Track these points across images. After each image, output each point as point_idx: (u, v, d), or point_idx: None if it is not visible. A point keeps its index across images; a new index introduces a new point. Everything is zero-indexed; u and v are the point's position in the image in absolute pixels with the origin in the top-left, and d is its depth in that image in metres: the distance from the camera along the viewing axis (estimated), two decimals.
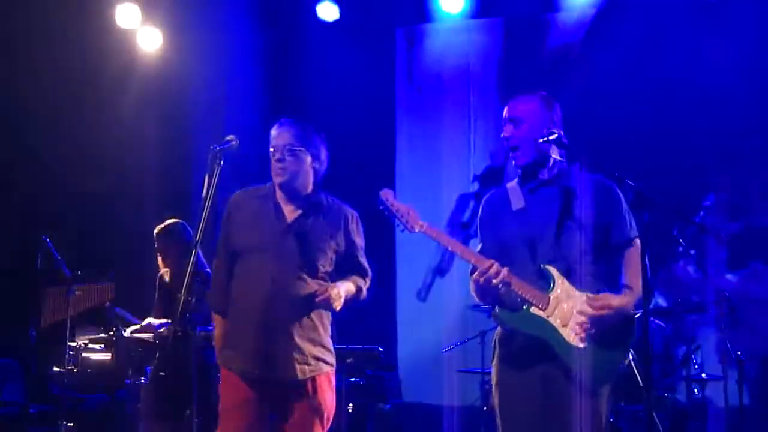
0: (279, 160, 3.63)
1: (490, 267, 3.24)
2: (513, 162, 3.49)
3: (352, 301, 3.71)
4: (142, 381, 5.39)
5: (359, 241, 3.80)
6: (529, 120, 3.44)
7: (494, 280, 3.24)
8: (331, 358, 3.71)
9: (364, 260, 3.82)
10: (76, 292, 5.87)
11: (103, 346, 5.86)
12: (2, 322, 6.42)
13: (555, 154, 3.44)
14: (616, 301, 3.28)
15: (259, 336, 3.54)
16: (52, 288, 6.05)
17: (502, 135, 3.49)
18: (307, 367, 3.58)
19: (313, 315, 3.62)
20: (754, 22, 6.83)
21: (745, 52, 6.83)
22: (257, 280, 3.56)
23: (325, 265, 3.64)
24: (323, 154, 3.79)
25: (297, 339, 3.56)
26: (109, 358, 5.76)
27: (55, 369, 5.84)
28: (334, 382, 3.72)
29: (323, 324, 3.68)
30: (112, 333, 5.66)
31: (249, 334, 3.55)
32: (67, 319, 5.75)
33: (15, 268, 6.46)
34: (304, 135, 3.70)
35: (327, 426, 3.65)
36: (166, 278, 5.43)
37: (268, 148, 3.71)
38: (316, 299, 3.51)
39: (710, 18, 6.96)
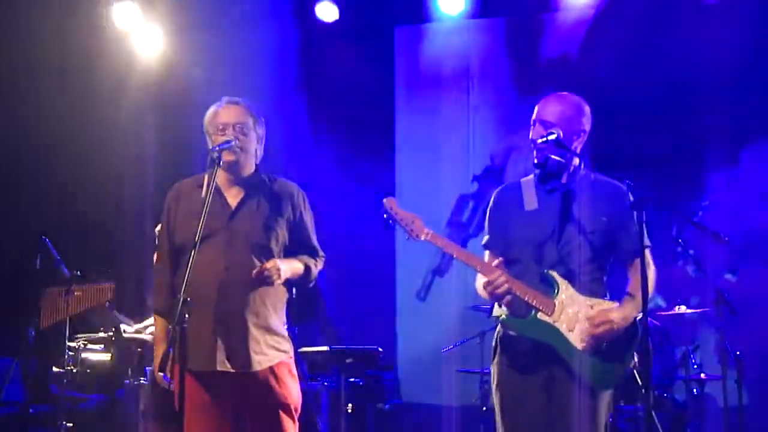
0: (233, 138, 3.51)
1: (497, 278, 3.24)
2: (535, 161, 3.44)
3: (299, 281, 3.60)
4: (142, 381, 5.40)
5: (308, 218, 3.67)
6: (560, 124, 3.39)
7: (499, 290, 3.24)
8: (287, 346, 3.58)
9: (314, 240, 3.69)
10: (76, 293, 5.87)
11: (102, 346, 5.87)
12: (2, 322, 6.42)
13: (569, 157, 3.41)
14: (616, 314, 3.28)
15: (215, 328, 3.42)
16: (52, 288, 6.05)
17: (531, 136, 3.42)
18: (263, 357, 3.46)
19: (268, 302, 3.51)
20: (755, 22, 6.84)
21: (746, 51, 6.84)
22: (209, 271, 3.41)
23: (278, 245, 3.53)
24: (263, 138, 3.67)
25: (252, 328, 3.45)
26: (109, 358, 5.77)
27: (55, 369, 5.85)
28: (295, 371, 3.60)
29: (277, 311, 3.56)
30: (111, 333, 5.66)
31: (205, 329, 3.41)
32: (67, 320, 5.76)
33: (15, 268, 6.46)
34: (253, 114, 3.61)
35: (296, 416, 3.54)
36: None
37: (208, 126, 3.58)
38: (253, 274, 3.38)
39: (709, 17, 6.97)
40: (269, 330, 3.51)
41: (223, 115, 3.57)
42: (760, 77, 6.82)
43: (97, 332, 5.98)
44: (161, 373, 3.37)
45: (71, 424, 5.76)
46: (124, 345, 5.56)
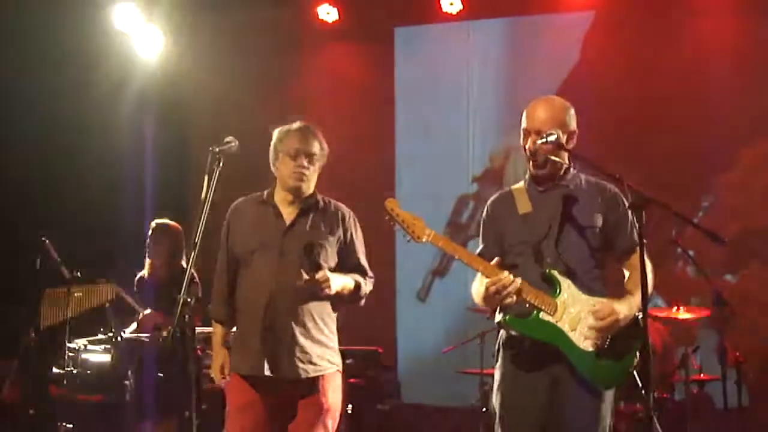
0: (302, 167, 3.70)
1: (503, 278, 3.21)
2: (533, 163, 3.42)
3: (349, 297, 3.75)
4: (142, 382, 5.39)
5: (358, 240, 3.85)
6: (555, 127, 3.35)
7: (506, 291, 3.21)
8: (337, 359, 3.74)
9: (364, 261, 3.86)
10: (76, 294, 5.87)
11: (102, 347, 5.86)
12: (2, 322, 6.42)
13: (564, 158, 3.41)
14: (620, 307, 3.27)
15: (264, 336, 3.58)
16: (52, 288, 6.05)
17: (529, 147, 3.39)
18: (311, 366, 3.61)
19: (316, 315, 3.66)
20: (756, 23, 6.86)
21: (745, 51, 6.85)
22: (260, 281, 3.62)
23: (326, 261, 3.68)
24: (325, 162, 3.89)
25: (300, 338, 3.60)
26: (109, 359, 5.76)
27: (55, 370, 5.84)
28: (340, 384, 3.75)
29: (327, 325, 3.72)
30: (111, 334, 5.66)
31: (254, 336, 3.60)
32: (67, 320, 5.76)
33: (15, 268, 6.46)
34: (322, 145, 3.79)
35: (334, 427, 3.68)
36: (145, 277, 5.50)
37: (279, 144, 3.75)
38: (303, 281, 3.52)
39: (709, 18, 6.98)
40: (317, 341, 3.65)
41: (298, 141, 3.74)
42: (760, 77, 6.83)
43: (96, 333, 5.97)
44: (221, 376, 3.68)
45: (71, 426, 5.76)
46: (123, 346, 5.56)
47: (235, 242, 3.75)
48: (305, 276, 3.52)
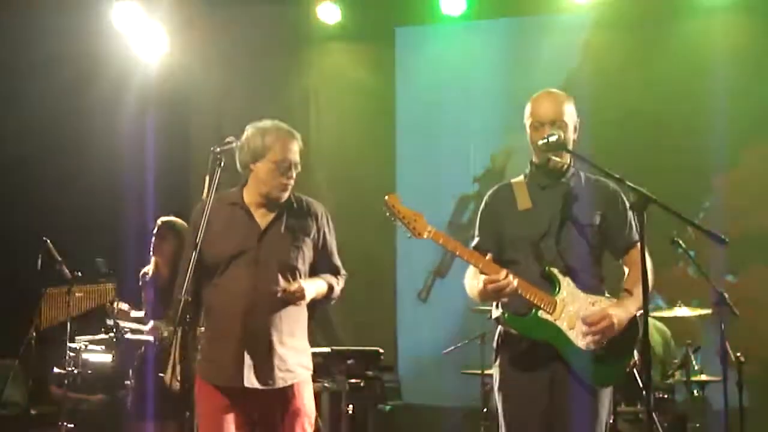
0: (291, 178, 3.57)
1: (503, 277, 3.19)
2: (535, 161, 3.44)
3: (323, 300, 3.68)
4: (142, 382, 5.39)
5: (331, 238, 3.75)
6: (558, 124, 3.37)
7: (506, 291, 3.20)
8: (309, 363, 3.68)
9: (336, 258, 3.77)
10: (77, 293, 5.87)
11: (103, 347, 5.87)
12: (2, 322, 6.43)
13: (566, 158, 3.42)
14: (616, 311, 3.26)
15: (241, 345, 3.48)
16: (53, 288, 6.06)
17: (530, 138, 3.40)
18: (288, 374, 3.55)
19: (292, 322, 3.57)
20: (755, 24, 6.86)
21: (745, 53, 6.85)
22: (236, 289, 3.49)
23: (304, 264, 3.61)
24: None
25: (278, 347, 3.52)
26: (110, 359, 5.77)
27: (56, 370, 5.85)
28: (312, 386, 3.69)
29: (302, 328, 3.64)
30: (112, 334, 5.66)
31: (230, 345, 3.49)
32: (68, 320, 5.76)
33: (15, 268, 6.46)
34: (300, 148, 3.64)
35: (311, 430, 3.62)
36: (149, 274, 5.50)
37: (263, 148, 3.53)
38: (278, 294, 3.45)
39: (709, 19, 6.98)
40: (294, 348, 3.58)
41: (289, 152, 3.55)
42: (760, 77, 6.83)
43: (98, 333, 5.98)
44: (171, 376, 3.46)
45: (72, 425, 5.76)
46: (124, 346, 5.56)
47: (207, 246, 3.48)
48: (281, 288, 3.45)
